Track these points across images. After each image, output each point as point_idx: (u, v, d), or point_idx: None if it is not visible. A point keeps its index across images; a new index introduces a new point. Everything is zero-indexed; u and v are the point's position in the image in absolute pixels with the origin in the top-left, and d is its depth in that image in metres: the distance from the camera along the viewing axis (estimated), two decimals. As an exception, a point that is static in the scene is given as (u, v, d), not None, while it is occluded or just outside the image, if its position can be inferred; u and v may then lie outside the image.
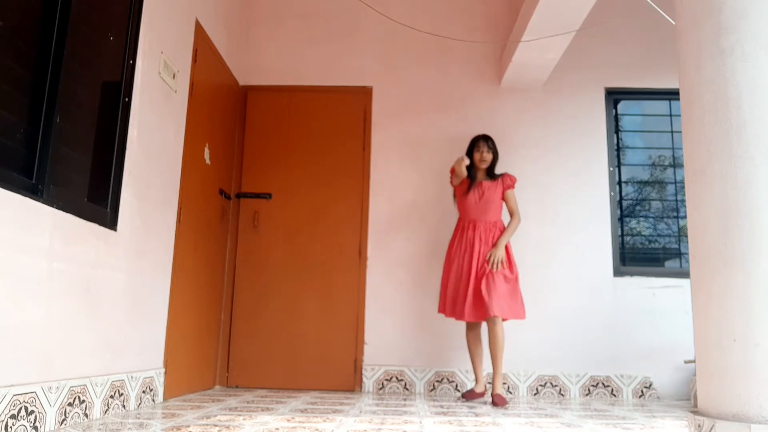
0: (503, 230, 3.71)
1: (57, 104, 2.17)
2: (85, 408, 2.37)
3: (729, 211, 1.71)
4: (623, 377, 4.05)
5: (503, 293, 3.53)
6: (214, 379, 3.99)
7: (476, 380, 3.70)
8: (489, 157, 3.77)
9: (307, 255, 4.22)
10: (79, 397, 2.32)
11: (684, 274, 4.15)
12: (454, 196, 3.91)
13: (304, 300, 4.17)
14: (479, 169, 3.80)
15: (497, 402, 3.34)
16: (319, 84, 4.46)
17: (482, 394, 3.68)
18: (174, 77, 3.21)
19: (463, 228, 3.74)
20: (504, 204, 3.79)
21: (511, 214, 3.75)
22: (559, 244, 4.22)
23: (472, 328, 3.71)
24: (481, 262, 3.61)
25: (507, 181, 3.78)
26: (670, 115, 4.49)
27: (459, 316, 3.63)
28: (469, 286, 3.58)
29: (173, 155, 3.25)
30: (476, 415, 2.91)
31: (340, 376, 4.08)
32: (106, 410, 2.54)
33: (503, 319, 3.53)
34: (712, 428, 1.65)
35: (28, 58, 2.08)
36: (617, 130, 4.47)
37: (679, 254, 4.34)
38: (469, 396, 3.65)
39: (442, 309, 3.76)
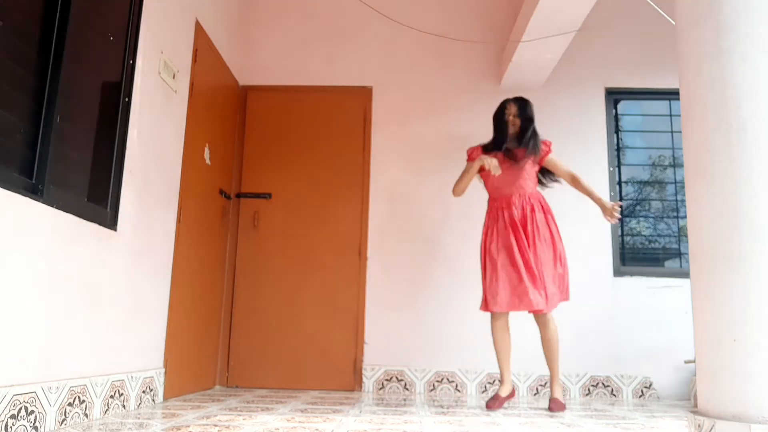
0: (543, 201, 3.30)
1: (57, 104, 2.17)
2: (85, 408, 2.37)
3: (729, 211, 1.71)
4: (623, 377, 4.05)
5: (553, 282, 3.18)
6: (214, 379, 3.99)
7: (503, 381, 3.23)
8: (517, 122, 3.37)
9: (307, 255, 4.22)
10: (79, 397, 2.32)
11: (684, 274, 4.15)
12: (480, 178, 3.49)
13: (304, 300, 4.17)
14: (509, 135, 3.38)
15: (556, 408, 3.09)
16: (319, 84, 4.45)
17: (513, 394, 3.27)
18: (174, 77, 3.21)
19: (498, 209, 3.31)
20: (548, 175, 3.45)
21: (573, 177, 3.40)
22: (559, 244, 4.21)
23: (501, 318, 3.23)
24: (526, 243, 3.19)
25: (543, 149, 3.36)
26: (670, 115, 4.49)
27: (520, 306, 3.14)
28: (522, 273, 3.13)
29: (173, 155, 3.25)
30: (476, 415, 2.91)
31: (340, 376, 4.08)
32: (106, 410, 2.54)
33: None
34: (712, 428, 1.64)
35: (28, 58, 2.08)
36: (617, 130, 4.47)
37: (679, 254, 4.34)
38: (497, 402, 3.14)
39: (489, 306, 3.20)
